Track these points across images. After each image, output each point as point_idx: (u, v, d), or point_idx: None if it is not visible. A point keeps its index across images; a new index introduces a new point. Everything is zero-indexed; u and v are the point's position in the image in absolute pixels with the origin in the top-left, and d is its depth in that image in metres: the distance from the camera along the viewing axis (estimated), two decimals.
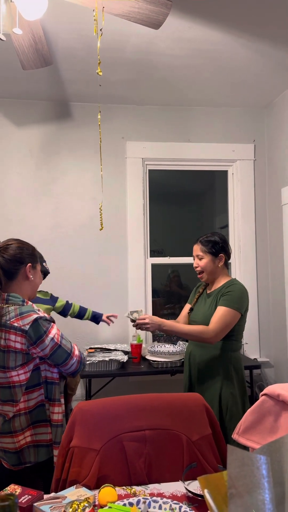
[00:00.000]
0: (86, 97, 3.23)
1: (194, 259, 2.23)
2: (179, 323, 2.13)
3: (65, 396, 1.75)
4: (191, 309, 2.29)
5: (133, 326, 2.12)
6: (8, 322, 1.47)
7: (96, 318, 2.72)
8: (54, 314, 2.67)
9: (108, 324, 2.78)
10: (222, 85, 3.07)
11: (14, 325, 1.47)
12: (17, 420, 1.51)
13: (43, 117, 3.29)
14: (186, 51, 2.60)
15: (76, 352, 1.59)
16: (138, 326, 2.09)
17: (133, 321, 2.15)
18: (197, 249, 2.20)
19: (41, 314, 1.53)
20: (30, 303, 1.57)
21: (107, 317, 2.76)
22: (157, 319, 2.08)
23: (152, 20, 1.87)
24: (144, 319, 2.07)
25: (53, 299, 2.58)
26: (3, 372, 1.50)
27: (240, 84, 3.07)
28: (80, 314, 2.68)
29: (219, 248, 2.16)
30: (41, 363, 1.55)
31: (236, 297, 2.05)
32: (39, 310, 1.54)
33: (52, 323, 1.56)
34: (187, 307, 2.34)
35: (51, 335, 1.51)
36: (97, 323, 2.76)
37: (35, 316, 1.49)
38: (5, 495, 0.75)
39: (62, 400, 1.57)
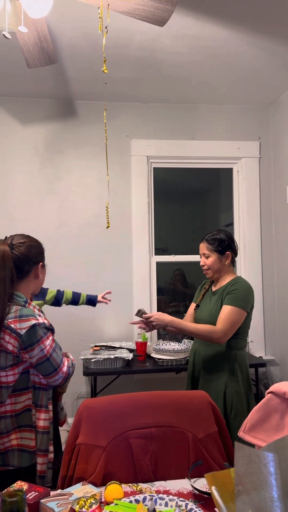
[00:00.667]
0: (90, 95, 3.23)
1: (200, 258, 2.22)
2: (187, 322, 2.12)
3: (55, 394, 1.70)
4: (197, 306, 2.28)
5: (141, 326, 2.12)
6: (6, 322, 1.45)
7: (91, 301, 2.65)
8: (52, 309, 2.64)
9: (106, 303, 2.71)
10: (227, 82, 3.06)
11: (11, 326, 1.44)
12: (3, 422, 1.47)
13: (48, 115, 3.29)
14: (191, 48, 2.59)
15: (64, 369, 1.53)
16: (146, 324, 2.09)
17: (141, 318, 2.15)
18: (203, 247, 2.19)
19: (41, 320, 1.49)
20: (32, 304, 1.55)
21: (103, 297, 2.69)
22: (166, 317, 2.07)
23: (157, 17, 1.87)
24: (151, 316, 2.07)
25: (42, 293, 2.51)
26: None
27: (245, 81, 3.05)
28: (74, 300, 2.61)
29: (226, 246, 2.15)
30: (30, 367, 1.51)
31: (242, 296, 2.05)
32: (40, 315, 1.52)
33: (49, 333, 1.52)
34: (193, 306, 2.34)
35: (42, 345, 1.47)
36: (94, 305, 2.68)
37: (33, 322, 1.46)
38: (14, 491, 0.75)
39: (50, 407, 1.52)
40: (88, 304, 2.68)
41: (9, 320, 1.45)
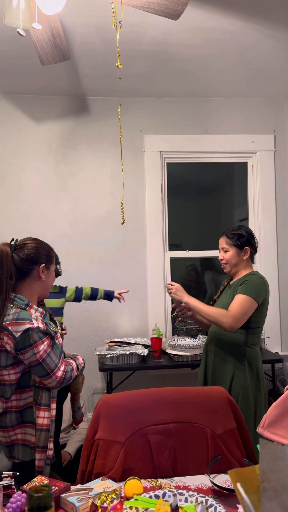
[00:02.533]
0: (103, 91, 3.22)
1: (219, 252, 2.24)
2: (203, 303, 2.12)
3: (64, 393, 1.76)
4: (214, 301, 2.29)
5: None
6: (4, 323, 1.48)
7: (108, 295, 2.71)
8: (71, 307, 2.67)
9: (120, 301, 2.75)
10: (241, 75, 3.02)
11: (8, 328, 1.47)
12: (8, 416, 1.52)
13: (61, 112, 3.30)
14: (204, 41, 2.56)
15: (58, 373, 1.52)
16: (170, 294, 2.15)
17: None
18: (222, 241, 2.22)
19: (37, 324, 1.50)
20: (34, 307, 1.55)
21: (119, 293, 2.73)
22: (185, 294, 2.11)
23: (171, 10, 1.85)
24: (173, 285, 2.12)
25: (62, 291, 2.58)
26: None
27: (260, 74, 3.01)
28: (93, 295, 2.68)
29: (245, 241, 2.17)
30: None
31: (253, 286, 2.06)
32: (37, 319, 1.52)
33: (45, 337, 1.51)
34: None
35: (35, 350, 1.47)
36: (111, 300, 2.73)
37: (28, 326, 1.47)
38: (40, 487, 0.76)
39: (53, 405, 1.54)
40: (105, 298, 2.71)
41: (7, 322, 1.48)
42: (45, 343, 1.51)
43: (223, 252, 2.21)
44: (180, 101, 3.38)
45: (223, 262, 2.21)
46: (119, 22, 1.80)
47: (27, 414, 1.53)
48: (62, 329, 2.47)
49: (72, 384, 1.75)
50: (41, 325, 1.51)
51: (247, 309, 2.01)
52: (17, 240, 1.63)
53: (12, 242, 1.61)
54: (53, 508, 0.76)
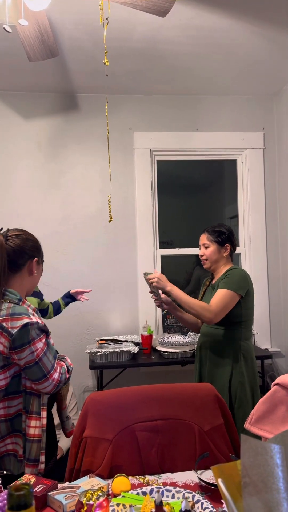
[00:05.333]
0: (92, 88, 3.21)
1: (200, 248, 2.28)
2: (186, 294, 2.10)
3: (53, 401, 1.59)
4: (201, 299, 2.31)
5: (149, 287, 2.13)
6: None
7: (69, 297, 2.59)
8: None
9: (81, 300, 2.62)
10: (230, 72, 3.03)
11: (2, 324, 1.35)
12: None
13: (50, 109, 3.28)
14: (193, 39, 2.56)
15: (55, 376, 1.42)
16: (150, 285, 2.11)
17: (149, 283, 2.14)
18: (203, 238, 2.26)
19: (35, 319, 1.39)
20: (27, 302, 1.46)
21: (75, 292, 2.60)
22: (168, 282, 2.08)
23: (159, 7, 1.85)
24: (154, 276, 2.07)
25: (40, 294, 2.50)
26: None
27: (249, 72, 3.02)
28: (57, 310, 2.57)
29: (225, 238, 2.22)
30: (20, 370, 1.43)
31: (234, 280, 2.09)
32: (34, 314, 1.43)
33: (43, 334, 1.42)
34: None
35: (33, 347, 1.36)
36: (74, 300, 2.61)
37: (26, 320, 1.36)
38: (21, 485, 0.76)
39: (44, 414, 1.42)
40: (67, 302, 2.60)
41: (0, 318, 1.36)
42: (43, 340, 1.40)
43: (204, 248, 2.25)
44: (169, 99, 3.38)
45: (203, 258, 2.25)
46: (106, 18, 1.79)
47: (17, 423, 1.41)
48: None
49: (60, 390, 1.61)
50: (39, 321, 1.40)
51: (227, 302, 2.04)
52: (8, 230, 1.51)
53: (2, 232, 1.49)
54: (33, 506, 0.76)
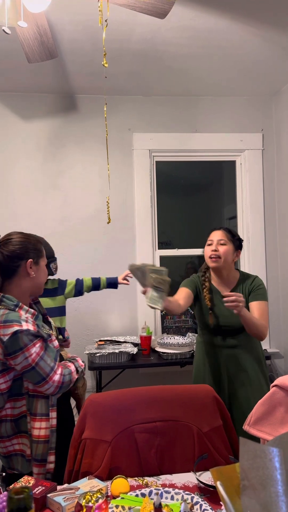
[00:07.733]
0: (92, 89, 3.21)
1: (210, 245, 2.09)
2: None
3: (76, 402, 1.68)
4: (210, 309, 2.13)
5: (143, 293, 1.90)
6: None
7: (113, 283, 2.61)
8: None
9: (127, 284, 2.65)
10: (229, 74, 3.03)
11: None
12: (3, 426, 1.44)
13: (49, 110, 3.28)
14: (192, 40, 2.56)
15: (55, 377, 1.42)
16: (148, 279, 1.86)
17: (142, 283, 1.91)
18: (220, 234, 2.10)
19: (26, 327, 1.38)
20: (24, 308, 1.45)
21: (123, 278, 2.63)
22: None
23: (158, 9, 1.85)
24: (240, 296, 1.83)
25: (62, 286, 2.48)
26: None
27: (247, 73, 3.02)
28: (95, 285, 2.57)
29: (239, 244, 2.16)
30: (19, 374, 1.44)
31: (265, 289, 2.12)
32: (27, 320, 1.41)
33: (36, 340, 1.40)
34: (184, 290, 2.14)
35: (27, 353, 1.37)
36: (116, 287, 2.64)
37: (16, 328, 1.35)
38: (20, 488, 0.76)
39: (53, 414, 1.43)
40: (109, 287, 2.63)
41: None
42: (37, 345, 1.39)
43: (219, 244, 2.06)
44: (169, 100, 3.38)
45: (216, 254, 2.05)
46: (105, 20, 1.79)
47: (22, 424, 1.44)
48: (64, 339, 2.37)
49: (72, 389, 1.64)
50: (31, 327, 1.39)
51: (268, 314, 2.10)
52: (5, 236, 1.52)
53: None
54: (33, 509, 0.76)
